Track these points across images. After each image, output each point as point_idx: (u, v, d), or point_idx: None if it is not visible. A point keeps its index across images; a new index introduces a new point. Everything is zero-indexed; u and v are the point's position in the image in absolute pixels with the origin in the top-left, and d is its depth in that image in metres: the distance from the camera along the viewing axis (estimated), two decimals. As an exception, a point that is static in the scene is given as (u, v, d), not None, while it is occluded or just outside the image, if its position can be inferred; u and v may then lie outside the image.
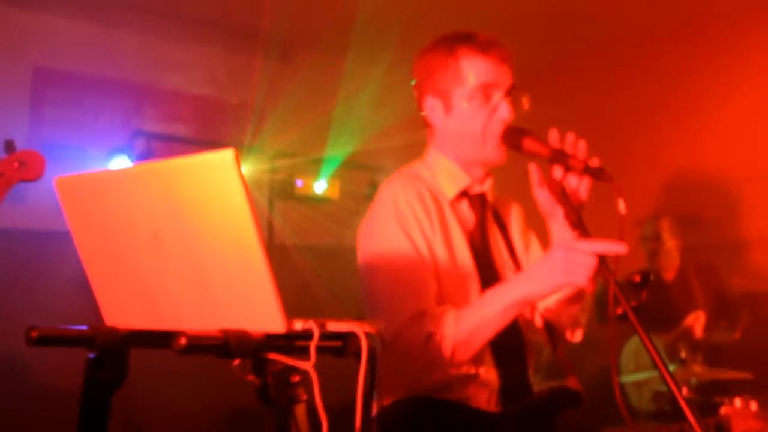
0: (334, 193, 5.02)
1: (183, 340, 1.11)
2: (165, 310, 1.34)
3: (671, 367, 3.54)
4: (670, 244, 4.33)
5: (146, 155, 4.25)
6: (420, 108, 1.99)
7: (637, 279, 1.65)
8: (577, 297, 1.92)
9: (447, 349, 1.71)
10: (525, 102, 1.94)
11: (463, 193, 1.98)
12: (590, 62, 5.09)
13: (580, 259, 1.62)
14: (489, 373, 1.86)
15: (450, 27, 1.99)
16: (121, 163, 4.31)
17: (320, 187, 5.03)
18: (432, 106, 1.95)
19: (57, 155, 4.50)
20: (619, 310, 1.61)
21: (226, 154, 1.14)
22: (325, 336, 1.28)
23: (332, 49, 4.93)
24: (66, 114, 4.61)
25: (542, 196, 1.78)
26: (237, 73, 4.86)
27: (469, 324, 1.72)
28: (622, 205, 1.65)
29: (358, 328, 1.28)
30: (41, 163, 2.34)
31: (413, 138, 2.23)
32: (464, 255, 1.89)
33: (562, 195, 1.72)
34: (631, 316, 1.60)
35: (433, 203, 1.88)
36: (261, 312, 1.22)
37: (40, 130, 4.53)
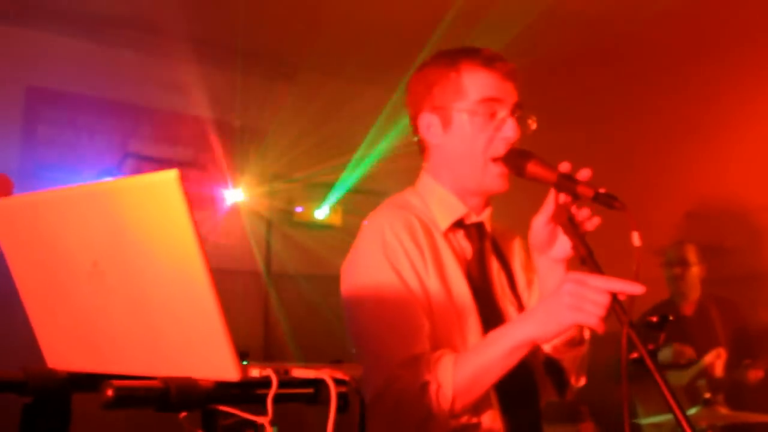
0: (337, 220, 4.83)
1: (110, 392, 0.95)
2: (108, 352, 1.20)
3: (694, 409, 3.36)
4: (695, 269, 4.16)
5: (111, 173, 4.12)
6: (415, 128, 1.83)
7: (655, 320, 1.48)
8: (580, 340, 1.75)
9: (446, 398, 1.53)
10: (531, 122, 1.78)
11: (459, 224, 1.81)
12: (612, 87, 4.94)
13: (592, 297, 1.43)
14: (495, 421, 1.67)
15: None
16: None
17: (321, 213, 4.85)
18: (429, 124, 1.79)
19: (50, 176, 4.43)
20: (635, 355, 1.44)
21: (169, 175, 1.00)
22: (288, 384, 1.13)
23: (335, 69, 4.81)
24: (60, 134, 4.48)
25: (540, 226, 1.60)
26: (237, 94, 4.74)
27: (469, 369, 1.54)
28: (636, 238, 1.48)
29: (327, 375, 1.13)
30: (8, 185, 2.21)
31: (419, 163, 2.07)
32: (461, 289, 1.72)
33: (570, 225, 1.56)
34: (648, 362, 1.43)
35: (424, 234, 1.71)
36: (211, 356, 1.06)
37: (32, 151, 4.40)
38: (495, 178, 1.74)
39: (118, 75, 4.53)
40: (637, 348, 1.44)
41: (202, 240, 1.01)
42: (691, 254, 4.18)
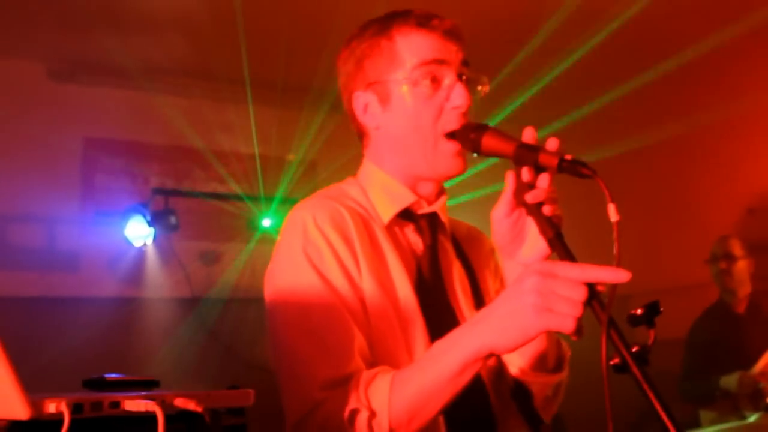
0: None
1: None
2: None
3: (754, 416, 2.88)
4: (742, 263, 3.65)
5: (164, 215, 3.97)
6: (350, 112, 1.47)
7: (639, 313, 1.09)
8: (557, 362, 1.36)
9: (381, 429, 1.14)
10: (483, 86, 1.42)
11: (407, 215, 1.43)
12: (668, 80, 4.50)
13: (564, 293, 1.05)
14: None
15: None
16: (136, 224, 4.08)
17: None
18: (364, 103, 1.42)
19: (108, 222, 4.36)
20: (617, 359, 1.07)
21: None
22: (111, 419, 0.84)
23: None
24: (116, 181, 4.43)
25: (501, 217, 1.22)
26: (290, 129, 4.59)
27: (410, 392, 1.14)
28: (612, 211, 1.09)
29: (156, 407, 0.83)
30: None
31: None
32: (405, 292, 1.33)
33: (533, 205, 1.20)
34: (633, 368, 1.05)
35: (358, 227, 1.35)
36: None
37: (91, 199, 4.36)
38: (449, 158, 1.36)
39: (169, 120, 4.44)
40: (619, 350, 1.08)
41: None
42: (737, 247, 3.68)
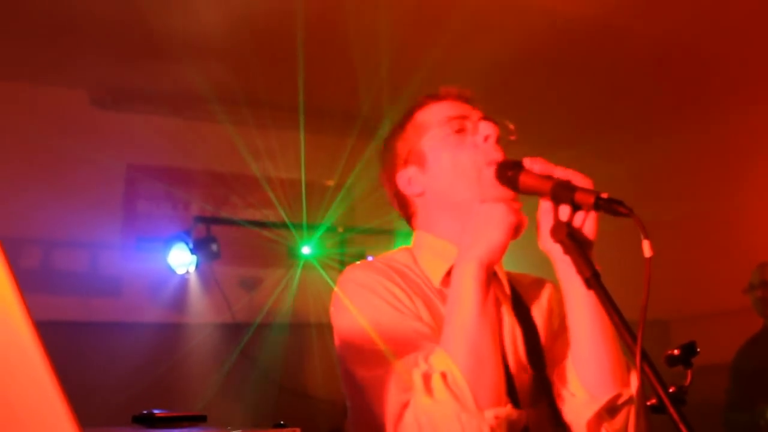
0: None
1: None
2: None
3: None
4: None
5: (205, 242, 4.05)
6: (397, 195, 1.54)
7: (677, 353, 1.11)
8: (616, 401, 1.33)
9: (457, 385, 1.19)
10: (508, 125, 1.47)
11: None
12: (704, 96, 4.47)
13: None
14: None
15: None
16: (179, 252, 4.16)
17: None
18: (407, 178, 1.50)
19: (150, 248, 4.46)
20: (654, 400, 1.10)
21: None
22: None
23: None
24: (157, 207, 4.54)
25: (551, 247, 1.28)
26: (321, 153, 4.66)
27: (461, 339, 1.22)
28: (647, 247, 1.15)
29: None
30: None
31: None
32: None
33: (569, 242, 1.23)
34: (670, 409, 1.08)
35: (410, 284, 1.40)
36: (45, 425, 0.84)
37: (133, 225, 4.46)
38: (496, 185, 1.38)
39: (208, 147, 4.54)
40: (656, 390, 1.10)
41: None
42: None
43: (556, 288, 1.53)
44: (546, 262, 1.35)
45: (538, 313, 1.52)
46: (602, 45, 3.88)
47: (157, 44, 3.85)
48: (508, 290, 1.49)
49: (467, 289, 1.25)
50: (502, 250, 1.30)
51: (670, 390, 1.09)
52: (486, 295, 1.26)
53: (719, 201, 4.51)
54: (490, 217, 1.29)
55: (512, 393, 1.32)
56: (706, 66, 4.13)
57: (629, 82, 4.24)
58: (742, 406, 3.56)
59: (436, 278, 1.43)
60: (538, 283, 1.60)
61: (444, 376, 1.20)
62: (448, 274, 1.41)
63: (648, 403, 1.09)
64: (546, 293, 1.57)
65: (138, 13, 3.54)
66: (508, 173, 1.34)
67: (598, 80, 4.24)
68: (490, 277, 1.28)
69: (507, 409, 1.21)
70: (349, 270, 1.44)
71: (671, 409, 1.07)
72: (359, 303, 1.37)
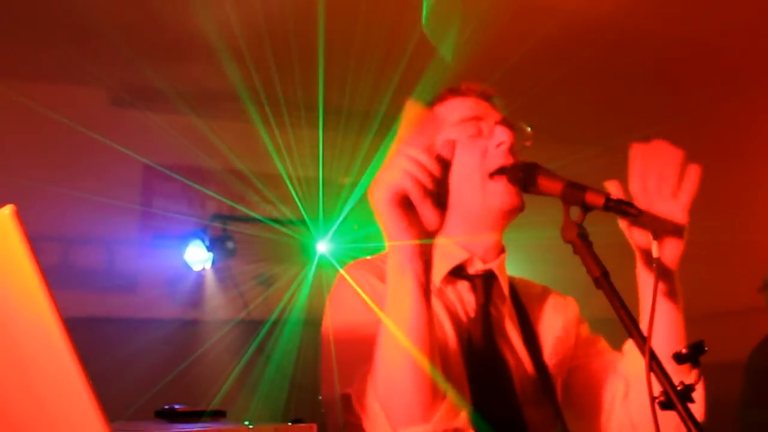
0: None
1: None
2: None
3: None
4: None
5: (222, 240, 4.09)
6: None
7: (684, 352, 1.14)
8: None
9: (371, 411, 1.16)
10: (526, 129, 1.49)
11: (460, 273, 1.45)
12: (719, 95, 4.46)
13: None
14: None
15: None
16: (195, 249, 4.21)
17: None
18: None
19: (166, 245, 4.52)
20: (661, 397, 1.12)
21: (2, 212, 0.84)
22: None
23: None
24: (174, 205, 4.59)
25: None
26: (337, 151, 4.69)
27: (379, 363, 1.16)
28: (655, 248, 1.19)
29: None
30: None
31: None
32: (453, 354, 1.35)
33: (580, 242, 1.26)
34: (678, 406, 1.10)
35: None
36: (75, 419, 0.88)
37: (149, 222, 4.53)
38: (500, 193, 1.41)
39: (225, 145, 4.59)
40: (664, 387, 1.12)
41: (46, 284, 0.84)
42: None
43: (566, 299, 1.57)
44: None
45: (542, 325, 1.54)
46: (617, 45, 3.88)
47: (175, 44, 3.90)
48: (506, 292, 1.50)
49: (403, 282, 1.19)
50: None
51: (678, 387, 1.11)
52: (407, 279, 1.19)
53: (733, 200, 4.50)
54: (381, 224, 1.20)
55: (512, 393, 1.34)
56: (721, 64, 4.12)
57: (644, 82, 4.24)
58: (757, 404, 3.56)
59: (437, 277, 1.43)
60: (543, 291, 1.62)
61: (362, 398, 1.20)
62: (450, 273, 1.44)
63: (656, 400, 1.11)
64: (551, 301, 1.60)
65: (157, 14, 3.59)
66: (520, 174, 1.36)
67: (611, 80, 4.25)
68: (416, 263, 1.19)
69: (427, 427, 1.14)
70: (345, 268, 1.44)
71: (678, 406, 1.09)
72: (338, 306, 1.39)
